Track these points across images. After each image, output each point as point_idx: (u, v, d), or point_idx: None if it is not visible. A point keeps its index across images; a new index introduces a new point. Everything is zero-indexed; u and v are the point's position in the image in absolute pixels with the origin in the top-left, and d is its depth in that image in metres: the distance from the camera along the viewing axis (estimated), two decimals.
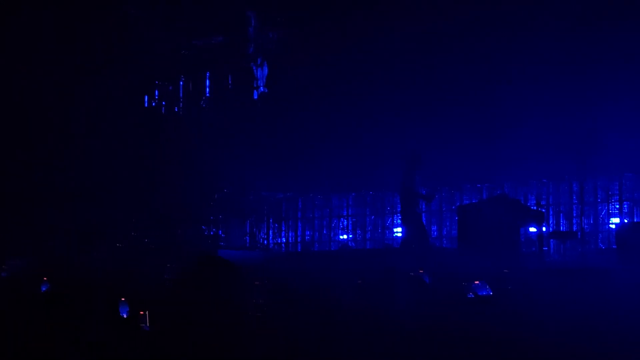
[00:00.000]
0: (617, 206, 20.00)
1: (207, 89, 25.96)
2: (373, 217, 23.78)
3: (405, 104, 21.88)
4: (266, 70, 25.26)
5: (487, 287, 14.51)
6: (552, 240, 19.73)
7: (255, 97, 25.49)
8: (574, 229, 20.22)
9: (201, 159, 23.95)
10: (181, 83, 26.14)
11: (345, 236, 24.29)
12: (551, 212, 20.67)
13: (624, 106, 18.99)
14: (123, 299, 12.85)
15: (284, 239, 25.39)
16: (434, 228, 22.56)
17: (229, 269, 12.44)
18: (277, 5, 24.79)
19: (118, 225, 23.45)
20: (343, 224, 24.38)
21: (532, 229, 18.84)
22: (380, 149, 21.94)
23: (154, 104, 26.46)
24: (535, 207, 19.79)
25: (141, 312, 11.96)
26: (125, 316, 12.54)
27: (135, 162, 24.29)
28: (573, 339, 12.22)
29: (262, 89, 25.45)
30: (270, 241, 25.29)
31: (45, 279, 15.28)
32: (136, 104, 25.83)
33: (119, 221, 23.45)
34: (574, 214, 20.36)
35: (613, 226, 19.62)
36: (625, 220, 19.66)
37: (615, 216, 20.03)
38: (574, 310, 12.88)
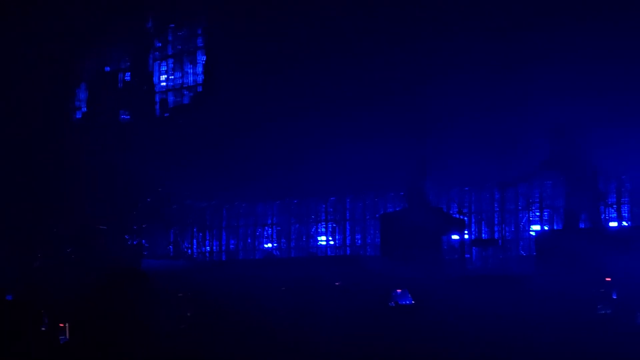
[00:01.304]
0: (538, 213, 20.26)
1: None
2: (297, 225, 23.78)
3: (327, 111, 21.93)
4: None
5: (409, 295, 14.62)
6: (474, 247, 19.92)
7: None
8: (496, 236, 20.43)
9: (123, 168, 23.75)
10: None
11: (269, 245, 24.26)
12: (473, 220, 20.87)
13: (544, 114, 19.21)
14: (42, 311, 12.66)
15: (208, 248, 25.26)
16: (358, 236, 22.66)
17: (149, 281, 12.33)
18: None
19: (38, 235, 23.11)
20: (268, 233, 24.35)
21: (454, 237, 19.04)
22: (304, 157, 21.96)
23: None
24: (457, 215, 19.98)
25: (61, 325, 11.81)
26: (44, 328, 12.37)
27: (54, 170, 23.98)
28: (493, 345, 12.38)
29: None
30: (195, 250, 25.13)
31: None
32: (53, 112, 25.59)
33: (40, 231, 23.11)
34: (496, 222, 20.58)
35: (533, 233, 19.87)
36: (546, 227, 19.94)
37: (535, 223, 20.29)
38: (494, 316, 13.06)
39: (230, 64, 24.14)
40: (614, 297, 12.70)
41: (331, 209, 23.29)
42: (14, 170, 23.69)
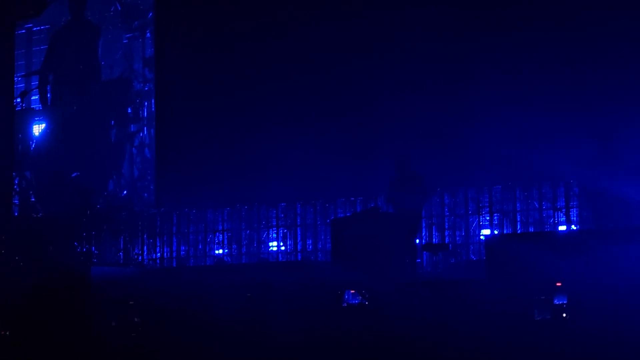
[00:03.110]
0: (488, 218, 20.34)
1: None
2: (248, 231, 23.69)
3: (276, 116, 21.94)
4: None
5: (360, 298, 14.70)
6: (424, 252, 19.94)
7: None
8: (446, 240, 20.47)
9: (73, 173, 23.59)
10: None
11: (220, 251, 24.15)
12: (423, 224, 20.86)
13: (494, 120, 19.33)
14: None
15: (159, 255, 25.09)
16: (309, 242, 22.61)
17: (94, 289, 12.25)
18: None
19: None
20: (218, 239, 24.23)
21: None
22: (253, 163, 21.93)
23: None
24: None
25: (2, 332, 11.65)
26: None
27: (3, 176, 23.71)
28: (443, 348, 12.45)
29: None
30: (145, 257, 24.95)
31: None
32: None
33: None
34: (446, 226, 20.61)
35: (483, 237, 19.95)
36: (496, 232, 20.03)
37: (485, 228, 20.36)
38: (443, 319, 13.13)
39: (180, 73, 24.02)
40: (557, 303, 12.77)
41: (282, 215, 23.23)
42: None
